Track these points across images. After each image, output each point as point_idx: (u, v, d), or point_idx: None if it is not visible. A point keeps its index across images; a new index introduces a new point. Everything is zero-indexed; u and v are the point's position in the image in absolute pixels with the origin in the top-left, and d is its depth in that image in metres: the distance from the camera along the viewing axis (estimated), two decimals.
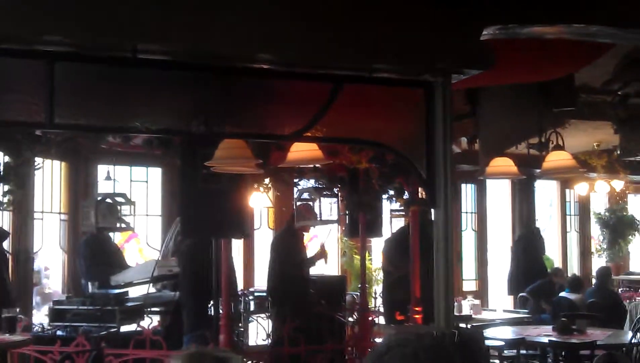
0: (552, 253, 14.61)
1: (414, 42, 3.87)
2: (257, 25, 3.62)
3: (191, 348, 1.79)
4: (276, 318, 8.22)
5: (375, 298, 10.87)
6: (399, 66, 3.96)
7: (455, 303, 9.19)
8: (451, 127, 4.01)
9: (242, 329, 7.60)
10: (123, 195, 9.40)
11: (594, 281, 11.81)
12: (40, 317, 9.15)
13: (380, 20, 3.80)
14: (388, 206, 9.08)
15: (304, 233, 8.81)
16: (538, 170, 7.36)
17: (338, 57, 3.80)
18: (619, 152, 10.10)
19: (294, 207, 8.78)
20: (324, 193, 8.95)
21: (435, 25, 3.90)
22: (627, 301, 11.33)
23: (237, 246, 10.57)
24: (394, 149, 4.22)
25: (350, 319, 9.01)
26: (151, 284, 8.18)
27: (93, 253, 8.86)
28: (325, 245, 8.96)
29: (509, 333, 8.30)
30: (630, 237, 14.98)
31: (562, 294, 10.48)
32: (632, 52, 6.56)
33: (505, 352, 8.02)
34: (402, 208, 8.02)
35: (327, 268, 12.60)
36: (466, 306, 9.83)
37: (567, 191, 15.02)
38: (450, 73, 4.00)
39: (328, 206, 9.08)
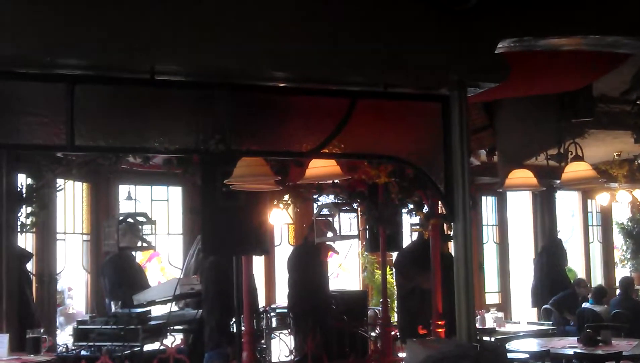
0: (575, 264, 14.49)
1: (428, 56, 3.89)
2: (273, 44, 3.65)
3: None
4: (297, 334, 8.21)
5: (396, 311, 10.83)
6: (414, 80, 3.98)
7: (478, 316, 9.16)
8: (468, 140, 4.01)
9: (264, 346, 7.60)
10: (144, 214, 9.45)
11: (617, 291, 11.69)
12: (64, 337, 9.21)
13: (394, 35, 3.82)
14: (408, 220, 9.07)
15: (323, 248, 8.72)
16: (558, 181, 7.33)
17: (353, 73, 3.82)
18: (639, 161, 10.05)
19: (312, 221, 8.76)
20: (344, 208, 8.95)
21: (450, 39, 3.91)
22: None
23: (257, 263, 10.59)
24: (412, 163, 4.23)
25: (373, 334, 8.98)
26: (174, 302, 8.21)
27: (116, 273, 8.92)
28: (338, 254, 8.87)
29: (533, 345, 8.23)
30: None
31: (586, 305, 10.40)
32: None
33: None
34: (422, 221, 7.99)
35: (349, 283, 12.61)
36: (489, 319, 9.77)
37: (589, 201, 14.91)
38: (466, 86, 4.01)
39: (348, 222, 9.08)
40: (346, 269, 13.08)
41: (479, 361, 1.80)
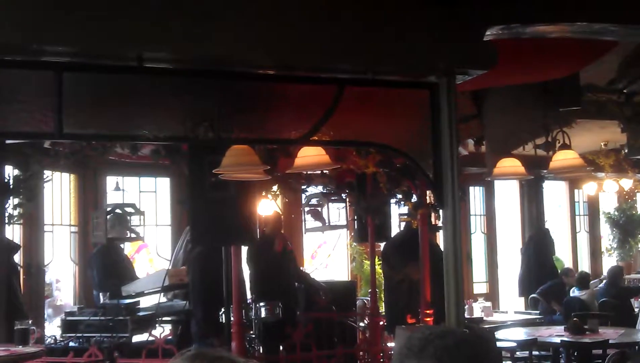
0: (562, 253, 14.58)
1: (416, 43, 3.89)
2: (260, 30, 3.64)
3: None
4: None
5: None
6: (402, 68, 3.98)
7: (467, 306, 9.19)
8: (457, 127, 4.02)
9: (253, 336, 7.60)
10: (132, 205, 9.44)
11: (604, 280, 11.78)
12: (52, 329, 9.19)
13: (382, 22, 3.82)
14: (396, 210, 9.08)
15: (277, 239, 8.47)
16: (545, 171, 7.36)
17: (341, 60, 3.82)
18: (626, 151, 10.10)
19: (275, 215, 8.58)
20: (332, 198, 8.95)
21: (437, 26, 3.91)
22: (638, 301, 11.28)
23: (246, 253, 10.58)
24: (400, 150, 4.24)
25: (361, 324, 9.01)
26: (162, 293, 8.20)
27: (104, 264, 8.90)
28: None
29: (521, 334, 8.28)
30: None
31: (573, 292, 10.46)
32: (637, 50, 6.55)
33: (517, 353, 8.00)
34: (410, 211, 8.00)
35: (337, 273, 12.64)
36: (477, 309, 9.83)
37: (576, 191, 14.99)
38: (454, 74, 4.01)
39: (336, 212, 9.09)
40: (334, 259, 13.12)
41: (465, 337, 1.80)
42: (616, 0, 4.20)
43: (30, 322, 7.05)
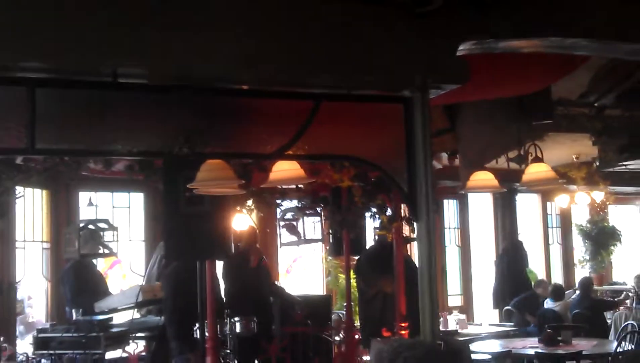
0: (536, 265, 14.67)
1: (391, 58, 3.92)
2: (236, 46, 3.65)
3: None
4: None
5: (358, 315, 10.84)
6: (377, 82, 4.00)
7: (441, 319, 9.22)
8: (430, 141, 4.05)
9: (228, 351, 7.55)
10: (105, 221, 9.35)
11: (576, 292, 11.87)
12: (24, 346, 9.05)
13: (357, 37, 3.84)
14: (371, 223, 9.08)
15: (253, 254, 8.48)
16: (518, 184, 7.42)
17: (316, 75, 3.83)
18: (597, 163, 10.22)
19: (251, 230, 8.58)
20: (307, 212, 8.93)
21: (412, 42, 3.94)
22: (611, 312, 11.38)
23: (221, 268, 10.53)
24: (375, 164, 4.26)
25: (337, 338, 8.99)
26: (136, 309, 8.13)
27: (77, 280, 8.80)
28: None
29: (495, 346, 8.32)
30: (612, 248, 15.07)
31: (547, 304, 10.53)
32: (607, 65, 6.65)
33: None
34: (385, 224, 8.00)
35: (313, 287, 12.61)
36: (452, 321, 9.86)
37: (549, 203, 15.11)
38: (428, 88, 4.04)
39: (312, 226, 9.06)
40: (310, 273, 13.10)
41: (435, 349, 1.81)
42: (587, 15, 4.26)
43: (1, 339, 6.96)
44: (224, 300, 8.19)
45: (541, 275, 14.40)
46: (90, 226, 8.97)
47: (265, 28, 3.71)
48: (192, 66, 3.59)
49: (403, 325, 7.62)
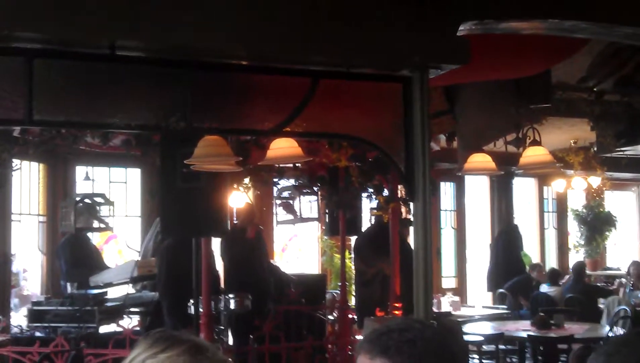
0: (530, 249, 14.73)
1: (390, 37, 3.90)
2: (235, 21, 3.63)
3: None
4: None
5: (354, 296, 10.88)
6: (376, 61, 3.99)
7: (435, 300, 9.26)
8: (429, 120, 4.04)
9: (222, 328, 7.58)
10: (102, 195, 9.37)
11: (568, 276, 11.93)
12: (18, 319, 9.09)
13: (357, 15, 3.82)
14: (368, 204, 9.10)
15: (249, 227, 8.50)
16: (515, 167, 7.42)
17: (315, 52, 3.82)
18: (595, 149, 10.23)
19: (248, 207, 8.58)
20: (304, 191, 8.94)
21: (412, 20, 3.92)
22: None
23: (218, 245, 10.57)
24: (373, 143, 4.25)
25: (331, 317, 9.03)
26: (131, 284, 8.15)
27: (72, 254, 8.83)
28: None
29: (488, 328, 8.37)
30: (607, 233, 15.12)
31: (543, 288, 10.58)
32: (607, 49, 6.63)
33: (484, 347, 8.08)
34: (381, 205, 8.02)
35: (308, 267, 12.65)
36: (446, 303, 9.91)
37: (545, 188, 15.14)
38: (427, 68, 4.03)
39: (308, 205, 9.08)
40: (305, 252, 13.13)
41: (424, 334, 1.81)
42: None
43: None
44: (222, 277, 8.22)
45: (536, 258, 14.45)
46: (87, 201, 8.99)
47: (265, 4, 3.69)
48: (190, 39, 3.57)
49: (397, 305, 7.66)
